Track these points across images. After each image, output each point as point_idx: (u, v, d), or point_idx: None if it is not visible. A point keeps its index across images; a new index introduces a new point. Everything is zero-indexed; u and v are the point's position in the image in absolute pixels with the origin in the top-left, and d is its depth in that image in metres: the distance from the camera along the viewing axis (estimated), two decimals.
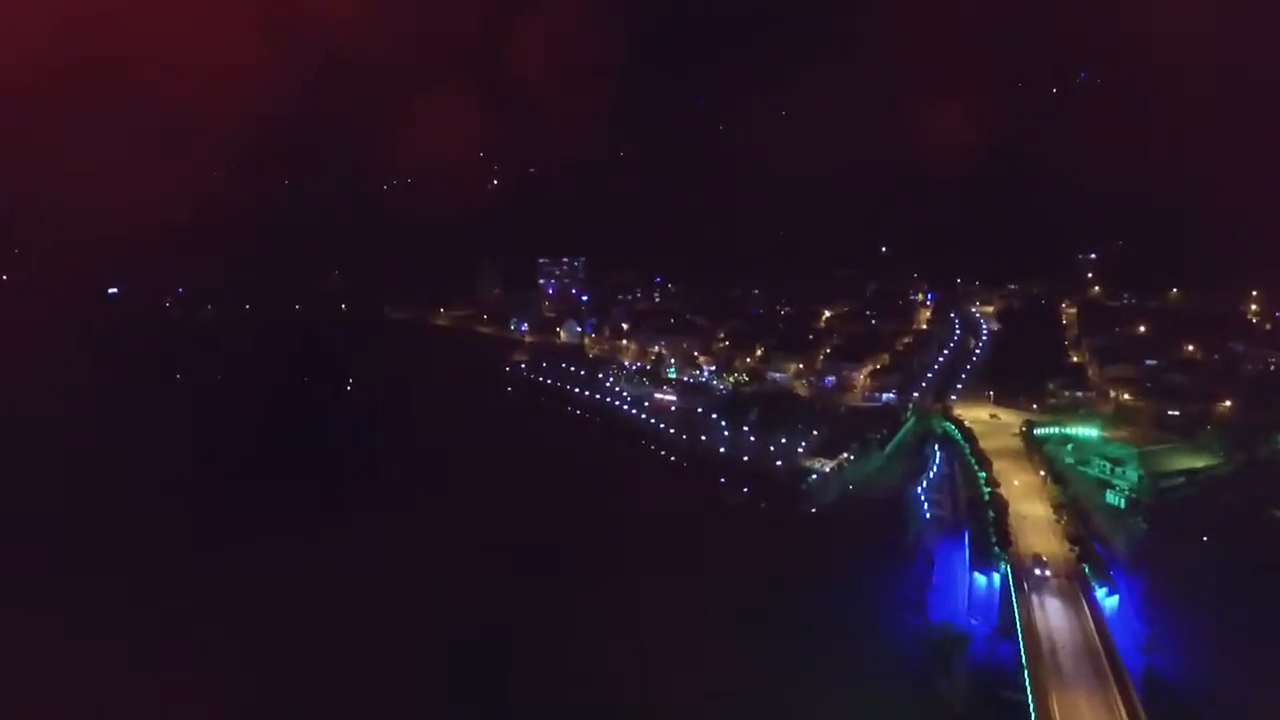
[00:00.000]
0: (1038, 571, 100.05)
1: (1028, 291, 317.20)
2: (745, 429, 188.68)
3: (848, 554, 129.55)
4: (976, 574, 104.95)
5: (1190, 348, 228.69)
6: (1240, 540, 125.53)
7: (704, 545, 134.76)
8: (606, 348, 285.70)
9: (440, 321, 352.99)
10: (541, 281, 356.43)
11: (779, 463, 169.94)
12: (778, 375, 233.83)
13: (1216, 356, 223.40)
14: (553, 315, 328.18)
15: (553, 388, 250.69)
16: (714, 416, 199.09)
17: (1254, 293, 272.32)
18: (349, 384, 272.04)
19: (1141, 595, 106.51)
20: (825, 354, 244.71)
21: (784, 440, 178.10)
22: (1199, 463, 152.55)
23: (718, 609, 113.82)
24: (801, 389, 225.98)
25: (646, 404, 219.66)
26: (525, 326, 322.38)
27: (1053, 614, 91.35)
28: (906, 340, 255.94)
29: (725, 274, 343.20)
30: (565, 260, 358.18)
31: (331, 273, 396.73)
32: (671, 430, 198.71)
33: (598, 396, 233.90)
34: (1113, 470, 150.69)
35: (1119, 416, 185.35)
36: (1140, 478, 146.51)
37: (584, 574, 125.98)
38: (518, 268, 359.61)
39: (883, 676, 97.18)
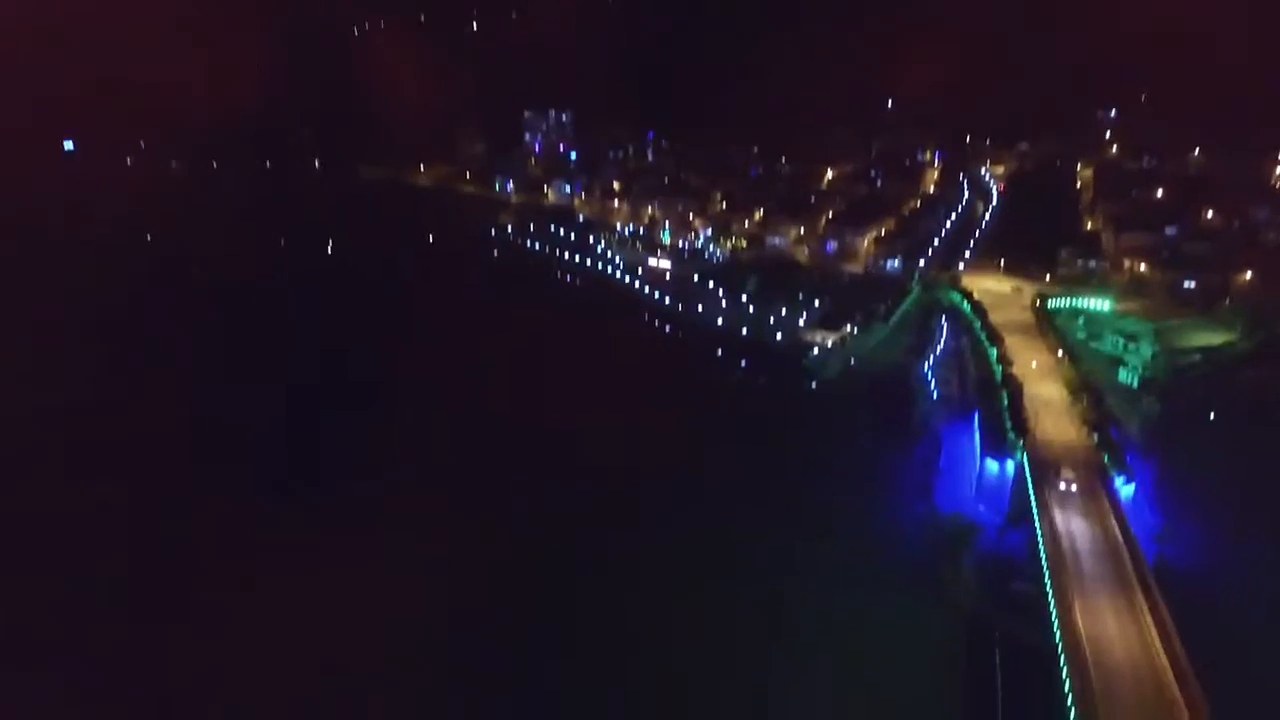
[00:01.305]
0: (1058, 471, 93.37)
1: (1041, 152, 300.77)
2: (744, 299, 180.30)
3: (850, 434, 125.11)
4: (988, 460, 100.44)
5: (1210, 214, 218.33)
6: (1256, 423, 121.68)
7: (700, 424, 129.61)
8: (597, 209, 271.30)
9: (420, 181, 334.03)
10: (527, 138, 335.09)
11: (779, 336, 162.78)
12: (777, 240, 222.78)
13: (1237, 224, 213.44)
14: (540, 174, 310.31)
15: (541, 253, 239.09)
16: (711, 285, 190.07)
17: (1279, 155, 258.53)
18: (329, 247, 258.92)
19: (1154, 481, 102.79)
20: (827, 218, 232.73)
21: (784, 312, 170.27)
22: (1217, 339, 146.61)
23: (713, 493, 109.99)
24: (802, 255, 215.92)
25: (640, 271, 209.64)
26: (511, 186, 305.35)
27: (1071, 506, 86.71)
28: (913, 204, 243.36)
29: (721, 130, 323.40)
30: (552, 113, 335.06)
31: (299, 128, 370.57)
32: (666, 300, 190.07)
33: (589, 263, 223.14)
34: (1126, 346, 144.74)
35: (1132, 288, 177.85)
36: (1155, 354, 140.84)
37: (570, 458, 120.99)
38: (501, 123, 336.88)
39: (886, 568, 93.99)
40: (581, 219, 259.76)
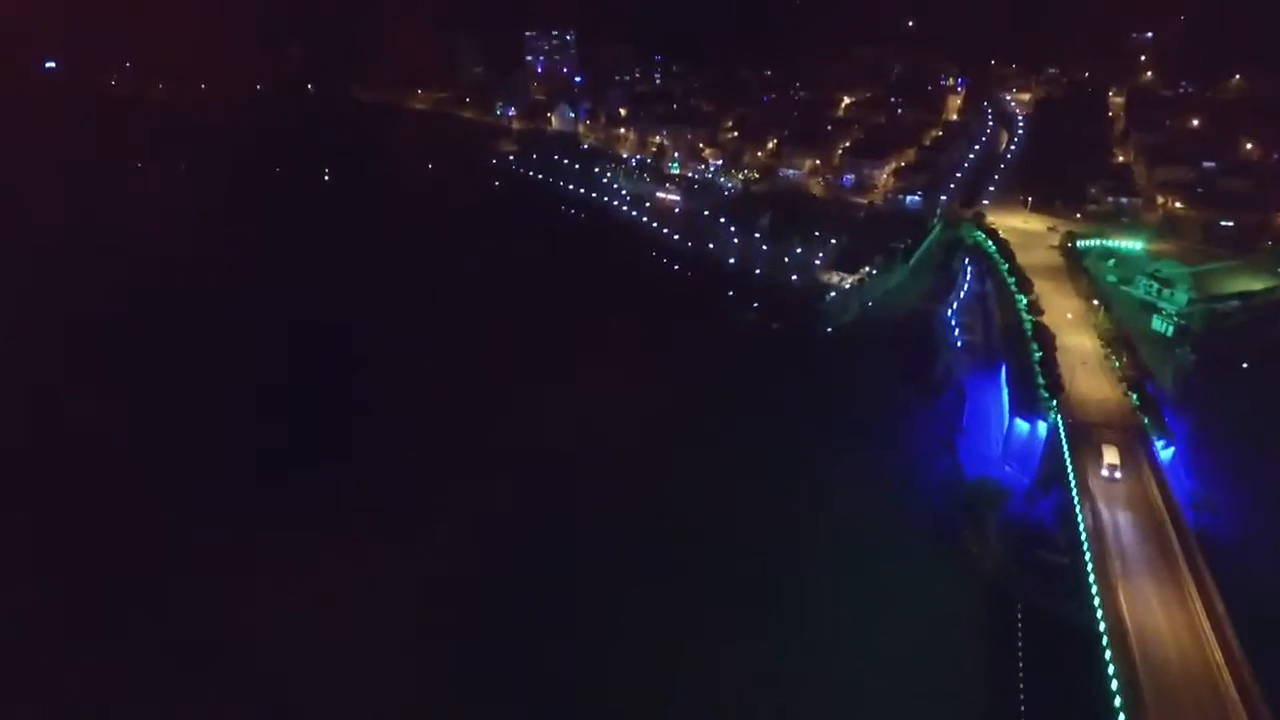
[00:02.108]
0: (1099, 451, 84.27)
1: (1071, 77, 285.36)
2: (756, 235, 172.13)
3: (869, 385, 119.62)
4: (1018, 420, 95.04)
5: (1250, 146, 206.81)
6: None
7: (709, 376, 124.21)
8: (603, 137, 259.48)
9: (417, 105, 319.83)
10: (529, 59, 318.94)
11: (794, 276, 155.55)
12: (791, 172, 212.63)
13: (1277, 156, 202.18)
14: (542, 98, 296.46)
15: (545, 183, 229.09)
16: (722, 220, 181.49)
17: None
18: (325, 175, 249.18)
19: (1189, 440, 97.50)
20: (844, 148, 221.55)
21: (799, 250, 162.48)
22: (1257, 285, 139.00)
23: (723, 454, 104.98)
24: (817, 187, 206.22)
25: (647, 204, 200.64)
26: (512, 111, 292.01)
27: (1111, 475, 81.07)
28: (935, 133, 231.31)
29: (732, 52, 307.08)
30: (555, 33, 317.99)
31: (290, 46, 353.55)
32: (675, 236, 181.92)
33: (594, 195, 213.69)
34: (1160, 292, 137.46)
35: (1166, 227, 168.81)
36: (1190, 301, 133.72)
37: (573, 421, 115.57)
38: (501, 42, 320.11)
39: (906, 531, 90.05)
40: (586, 147, 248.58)
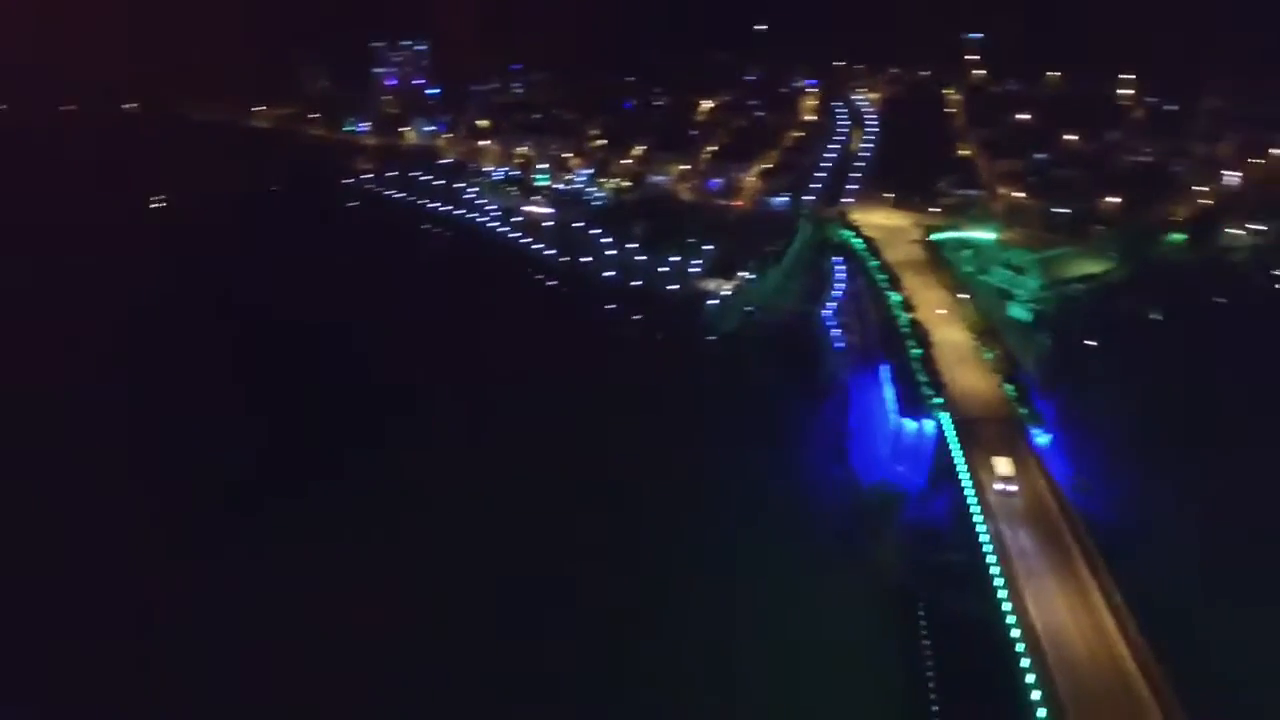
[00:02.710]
0: (991, 463, 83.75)
1: (911, 76, 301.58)
2: (631, 246, 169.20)
3: (756, 393, 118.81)
4: (905, 420, 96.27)
5: (1072, 137, 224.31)
6: (1136, 353, 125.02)
7: (592, 386, 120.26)
8: (464, 150, 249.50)
9: (257, 122, 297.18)
10: (377, 71, 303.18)
11: (673, 286, 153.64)
12: (659, 178, 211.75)
13: (1094, 147, 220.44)
14: (396, 112, 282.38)
15: (405, 201, 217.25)
16: (595, 232, 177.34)
17: (1126, 76, 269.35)
18: (159, 202, 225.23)
19: (1057, 423, 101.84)
20: (709, 153, 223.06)
21: (676, 258, 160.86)
22: (1095, 268, 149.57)
23: (615, 466, 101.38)
24: (686, 193, 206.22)
25: (517, 219, 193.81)
26: (365, 126, 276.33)
27: (998, 469, 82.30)
28: (794, 134, 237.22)
29: (589, 59, 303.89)
30: (405, 44, 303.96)
31: (111, 60, 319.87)
32: (549, 250, 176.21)
33: (460, 212, 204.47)
34: (1014, 279, 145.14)
35: (1010, 216, 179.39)
36: (1041, 286, 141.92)
37: (449, 433, 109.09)
38: (348, 54, 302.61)
39: (806, 542, 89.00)
40: (448, 162, 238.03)
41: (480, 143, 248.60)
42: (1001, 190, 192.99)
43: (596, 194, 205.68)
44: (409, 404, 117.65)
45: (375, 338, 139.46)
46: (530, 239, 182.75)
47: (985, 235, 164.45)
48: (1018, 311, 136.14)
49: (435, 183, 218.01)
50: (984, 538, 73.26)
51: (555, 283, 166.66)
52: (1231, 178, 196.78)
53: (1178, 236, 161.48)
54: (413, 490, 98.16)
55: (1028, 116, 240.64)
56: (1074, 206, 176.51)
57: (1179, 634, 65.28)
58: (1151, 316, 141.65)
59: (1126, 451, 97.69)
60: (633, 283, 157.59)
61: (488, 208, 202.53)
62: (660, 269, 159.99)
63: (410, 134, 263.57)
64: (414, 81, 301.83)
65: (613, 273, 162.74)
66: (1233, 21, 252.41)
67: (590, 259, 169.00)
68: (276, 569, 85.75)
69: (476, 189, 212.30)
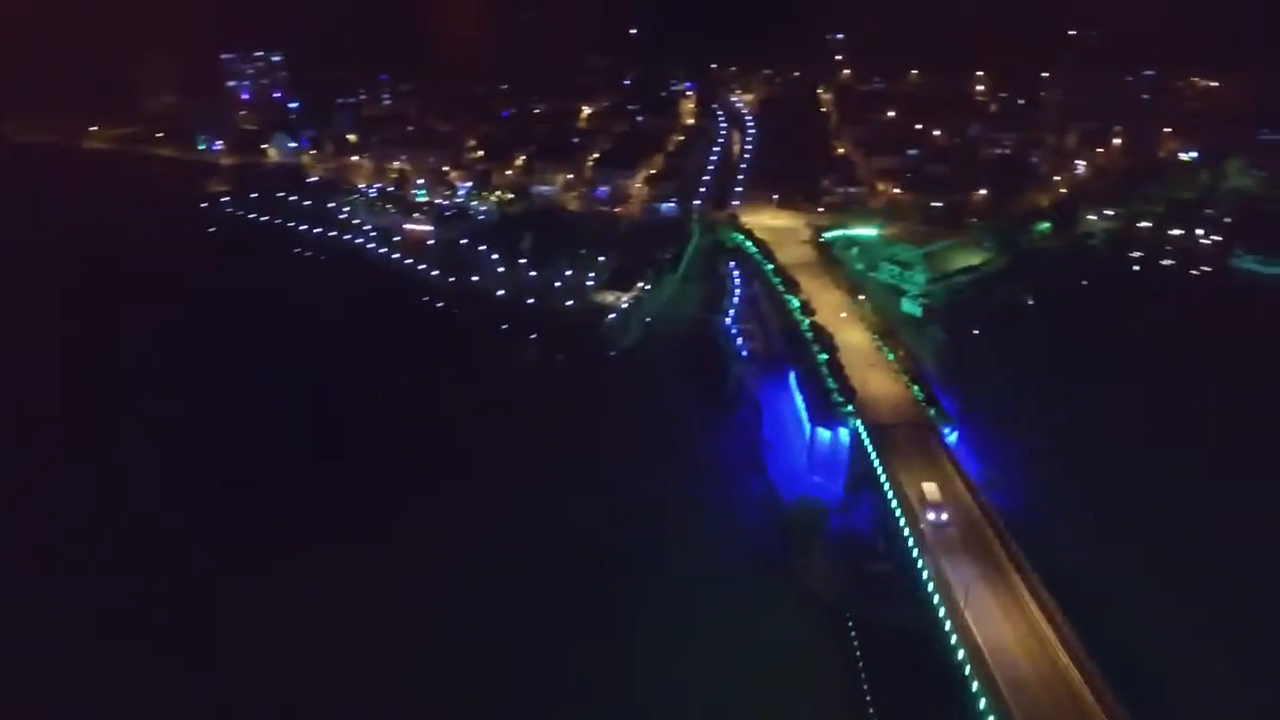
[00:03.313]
0: (921, 498, 78.89)
1: (785, 76, 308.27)
2: (521, 261, 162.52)
3: (666, 408, 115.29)
4: (819, 429, 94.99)
5: (937, 133, 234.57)
6: (1020, 340, 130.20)
7: (491, 417, 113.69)
8: (333, 167, 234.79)
9: (94, 144, 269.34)
10: (231, 84, 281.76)
11: (569, 302, 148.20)
12: (544, 188, 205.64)
13: (958, 140, 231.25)
14: (254, 128, 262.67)
15: (270, 225, 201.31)
16: (482, 248, 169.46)
17: (979, 73, 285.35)
18: None
19: (960, 417, 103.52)
20: (594, 160, 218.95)
21: (569, 272, 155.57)
22: (974, 260, 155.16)
23: (524, 498, 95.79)
24: (573, 202, 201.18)
25: (397, 238, 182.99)
26: (219, 145, 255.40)
27: (937, 518, 76.69)
28: (677, 139, 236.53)
29: (462, 67, 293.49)
30: (259, 55, 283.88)
31: None
32: (434, 270, 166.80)
33: (333, 233, 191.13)
34: (902, 274, 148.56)
35: (890, 212, 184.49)
36: (929, 280, 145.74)
37: (342, 475, 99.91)
38: (195, 68, 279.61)
39: (731, 562, 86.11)
40: (315, 180, 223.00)
41: (350, 158, 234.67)
42: (880, 187, 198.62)
43: (480, 208, 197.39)
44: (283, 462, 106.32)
45: (247, 378, 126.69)
46: (412, 259, 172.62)
47: (869, 232, 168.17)
48: (909, 307, 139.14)
49: (304, 203, 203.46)
50: (910, 545, 71.97)
51: (443, 304, 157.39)
52: (1080, 166, 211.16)
53: (1044, 226, 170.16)
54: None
55: (894, 114, 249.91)
56: (948, 200, 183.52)
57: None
58: (1028, 303, 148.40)
59: (1022, 437, 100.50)
60: (526, 301, 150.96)
61: (364, 228, 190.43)
62: (554, 284, 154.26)
63: (272, 151, 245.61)
64: (273, 95, 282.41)
65: (504, 291, 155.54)
66: (1070, 21, 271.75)
67: (478, 278, 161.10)
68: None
69: (350, 208, 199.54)
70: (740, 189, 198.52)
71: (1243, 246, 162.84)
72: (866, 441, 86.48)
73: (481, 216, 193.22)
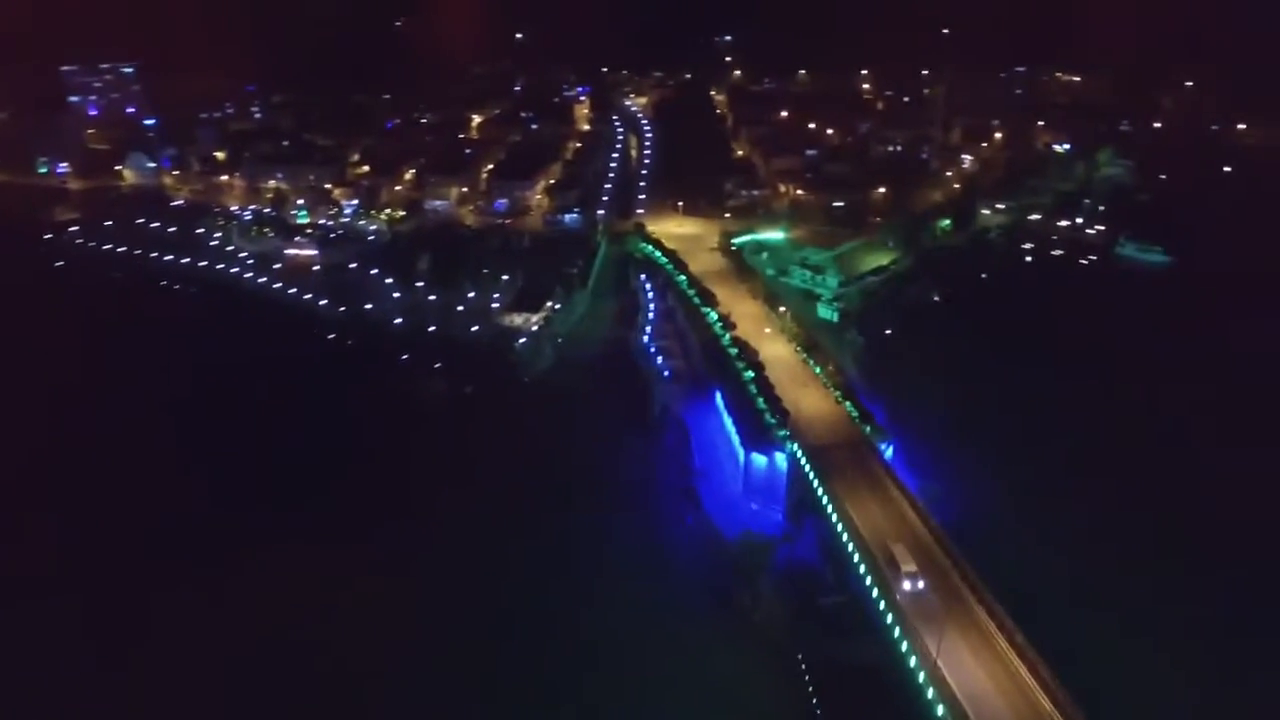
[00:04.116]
0: (892, 560, 71.72)
1: (676, 79, 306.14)
2: (418, 284, 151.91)
3: (587, 438, 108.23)
4: (754, 454, 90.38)
5: (830, 132, 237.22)
6: (923, 331, 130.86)
7: (395, 459, 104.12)
8: (200, 188, 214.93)
9: None
10: (75, 99, 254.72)
11: (474, 327, 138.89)
12: (438, 204, 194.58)
13: (850, 139, 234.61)
14: (105, 148, 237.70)
15: (129, 256, 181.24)
16: (374, 272, 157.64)
17: (863, 72, 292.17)
18: None
19: (887, 423, 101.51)
20: (489, 171, 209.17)
21: (471, 295, 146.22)
22: (883, 260, 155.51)
23: (442, 552, 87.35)
24: (470, 217, 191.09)
25: (277, 266, 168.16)
26: (65, 167, 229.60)
27: (914, 585, 69.56)
28: (575, 145, 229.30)
29: (337, 75, 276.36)
30: (107, 67, 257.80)
31: None
32: (321, 299, 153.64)
33: (203, 263, 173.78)
34: (814, 279, 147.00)
35: (794, 213, 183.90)
36: (841, 283, 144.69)
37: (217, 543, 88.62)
38: (31, 80, 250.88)
39: (674, 604, 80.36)
40: (180, 204, 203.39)
41: (219, 178, 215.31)
42: (782, 188, 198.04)
43: (369, 228, 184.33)
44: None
45: (122, 431, 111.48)
46: (296, 288, 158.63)
47: (777, 235, 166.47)
48: (825, 312, 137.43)
49: (168, 230, 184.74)
50: (865, 578, 68.02)
51: (334, 336, 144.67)
52: (967, 161, 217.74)
53: (945, 223, 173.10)
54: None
55: (787, 114, 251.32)
56: (849, 199, 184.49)
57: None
58: (935, 299, 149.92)
59: (948, 440, 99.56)
60: (427, 328, 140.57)
61: (239, 255, 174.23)
62: (456, 308, 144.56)
63: (128, 173, 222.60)
64: (125, 110, 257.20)
65: (401, 318, 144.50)
66: (945, 20, 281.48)
67: (371, 305, 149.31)
68: None
69: (221, 234, 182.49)
70: (643, 196, 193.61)
71: (1122, 235, 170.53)
72: (806, 467, 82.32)
73: (371, 237, 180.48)
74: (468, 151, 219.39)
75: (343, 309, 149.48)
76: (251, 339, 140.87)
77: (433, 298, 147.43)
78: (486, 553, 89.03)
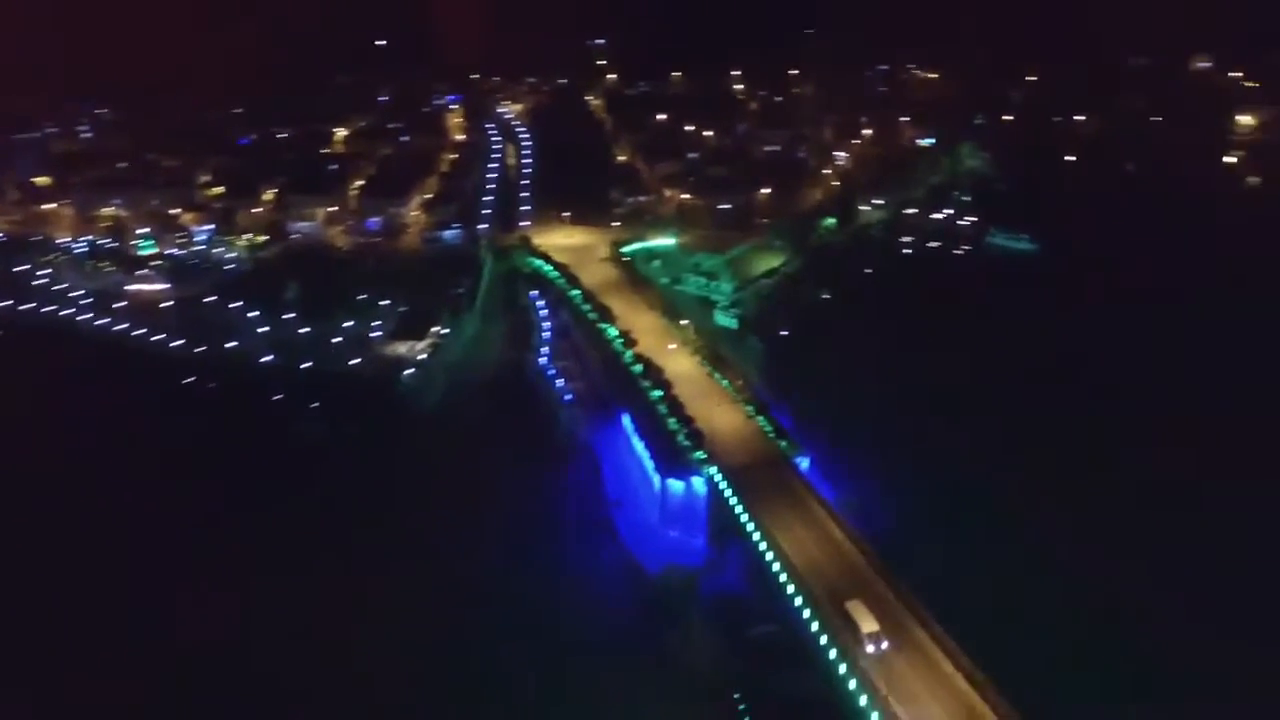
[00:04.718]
0: (856, 631, 64.52)
1: (550, 84, 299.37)
2: (288, 316, 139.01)
3: (490, 473, 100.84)
4: (670, 481, 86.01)
5: (708, 134, 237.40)
6: (815, 332, 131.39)
7: (272, 514, 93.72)
8: (19, 219, 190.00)
9: None
10: None
11: (355, 360, 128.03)
12: (303, 225, 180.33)
13: (729, 141, 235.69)
14: None
15: None
16: (236, 305, 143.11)
17: (734, 72, 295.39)
18: None
19: (798, 434, 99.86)
20: (358, 188, 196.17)
21: (349, 324, 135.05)
22: (774, 262, 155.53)
23: (331, 619, 78.47)
24: (342, 239, 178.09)
25: (120, 304, 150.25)
26: None
27: (878, 648, 63.36)
28: (450, 157, 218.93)
29: (180, 89, 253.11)
30: None
31: None
32: (177, 340, 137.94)
33: (29, 305, 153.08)
34: (708, 285, 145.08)
35: (682, 218, 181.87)
36: (736, 288, 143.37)
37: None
38: None
39: (595, 649, 74.81)
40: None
41: (43, 207, 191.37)
42: (668, 193, 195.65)
43: (226, 256, 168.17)
44: None
45: None
46: (145, 328, 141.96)
47: (668, 242, 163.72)
48: (723, 319, 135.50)
49: None
50: (800, 603, 64.81)
51: (193, 379, 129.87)
52: (841, 158, 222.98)
53: (830, 221, 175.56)
54: None
55: (665, 117, 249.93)
56: (734, 202, 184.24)
57: None
58: (823, 297, 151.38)
59: (855, 442, 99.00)
60: (301, 364, 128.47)
61: (72, 293, 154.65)
62: (333, 339, 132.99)
63: None
64: None
65: (271, 355, 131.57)
66: (809, 20, 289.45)
67: (236, 342, 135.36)
68: None
69: (50, 270, 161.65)
70: (527, 207, 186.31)
71: (991, 225, 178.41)
72: (727, 491, 78.70)
73: (230, 266, 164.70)
74: (333, 168, 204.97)
75: (202, 348, 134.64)
76: (92, 390, 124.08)
77: (305, 330, 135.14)
78: (374, 609, 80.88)
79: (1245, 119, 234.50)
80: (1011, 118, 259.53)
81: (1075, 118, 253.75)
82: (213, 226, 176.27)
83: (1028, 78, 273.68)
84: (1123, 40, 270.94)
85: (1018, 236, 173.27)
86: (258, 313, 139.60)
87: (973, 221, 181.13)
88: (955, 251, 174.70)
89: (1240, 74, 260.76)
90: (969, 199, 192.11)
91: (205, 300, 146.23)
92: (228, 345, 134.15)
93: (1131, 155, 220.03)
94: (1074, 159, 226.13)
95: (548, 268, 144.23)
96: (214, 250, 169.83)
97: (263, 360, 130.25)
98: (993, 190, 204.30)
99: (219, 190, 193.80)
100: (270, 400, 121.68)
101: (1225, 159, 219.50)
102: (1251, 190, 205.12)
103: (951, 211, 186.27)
